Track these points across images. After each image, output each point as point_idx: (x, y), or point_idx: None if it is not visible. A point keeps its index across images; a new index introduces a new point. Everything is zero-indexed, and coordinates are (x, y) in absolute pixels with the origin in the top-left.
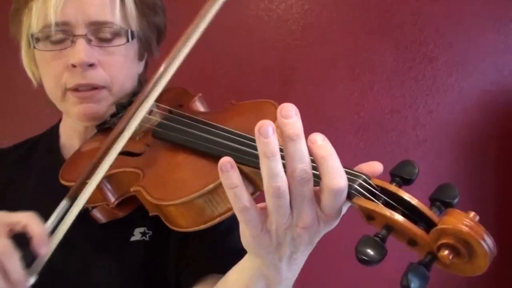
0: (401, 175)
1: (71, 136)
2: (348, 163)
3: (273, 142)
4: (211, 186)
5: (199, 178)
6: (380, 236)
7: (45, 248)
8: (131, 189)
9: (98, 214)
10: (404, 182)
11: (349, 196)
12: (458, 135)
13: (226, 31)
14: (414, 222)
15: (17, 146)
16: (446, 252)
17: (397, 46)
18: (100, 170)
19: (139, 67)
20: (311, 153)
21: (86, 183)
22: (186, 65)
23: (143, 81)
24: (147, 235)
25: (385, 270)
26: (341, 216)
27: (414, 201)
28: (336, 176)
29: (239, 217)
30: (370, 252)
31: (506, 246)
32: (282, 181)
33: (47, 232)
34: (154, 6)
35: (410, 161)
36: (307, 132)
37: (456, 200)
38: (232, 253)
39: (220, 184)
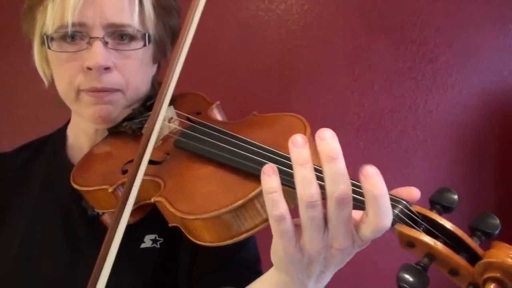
0: (441, 202)
1: (79, 138)
2: (348, 163)
3: (306, 151)
4: (241, 201)
5: (228, 193)
6: (422, 264)
7: None
8: (152, 200)
9: (108, 220)
10: (444, 210)
11: (391, 223)
12: (458, 135)
13: (226, 31)
14: (457, 251)
15: (22, 149)
16: (492, 285)
17: (397, 46)
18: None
19: (153, 70)
20: (362, 186)
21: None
22: (186, 65)
23: (155, 84)
24: (158, 242)
25: (387, 268)
26: None
27: (458, 231)
28: (385, 217)
29: (275, 229)
30: (412, 280)
31: None
32: (315, 189)
33: None
34: (170, 8)
35: (449, 189)
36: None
37: (497, 231)
38: (246, 266)
39: (250, 200)
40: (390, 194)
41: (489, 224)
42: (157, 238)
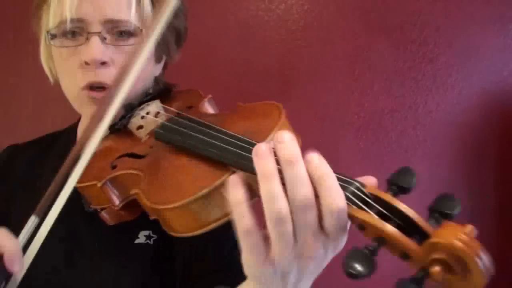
0: (398, 183)
1: None
2: (348, 163)
3: (270, 162)
4: (206, 190)
5: (196, 182)
6: (370, 248)
7: (18, 265)
8: (131, 192)
9: (106, 216)
10: (401, 190)
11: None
12: (458, 135)
13: (226, 31)
14: (408, 234)
15: (34, 142)
16: (437, 268)
17: (397, 46)
18: (69, 184)
19: (156, 69)
20: (307, 171)
21: (55, 197)
22: (186, 65)
23: (161, 84)
24: (152, 239)
25: (387, 268)
26: (346, 237)
27: (409, 211)
28: (336, 196)
29: (243, 242)
30: (358, 266)
31: (506, 247)
32: (283, 204)
33: (19, 248)
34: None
35: (409, 168)
36: (307, 132)
37: (456, 212)
38: (240, 267)
39: (216, 188)
40: (343, 176)
41: (447, 204)
42: (151, 234)
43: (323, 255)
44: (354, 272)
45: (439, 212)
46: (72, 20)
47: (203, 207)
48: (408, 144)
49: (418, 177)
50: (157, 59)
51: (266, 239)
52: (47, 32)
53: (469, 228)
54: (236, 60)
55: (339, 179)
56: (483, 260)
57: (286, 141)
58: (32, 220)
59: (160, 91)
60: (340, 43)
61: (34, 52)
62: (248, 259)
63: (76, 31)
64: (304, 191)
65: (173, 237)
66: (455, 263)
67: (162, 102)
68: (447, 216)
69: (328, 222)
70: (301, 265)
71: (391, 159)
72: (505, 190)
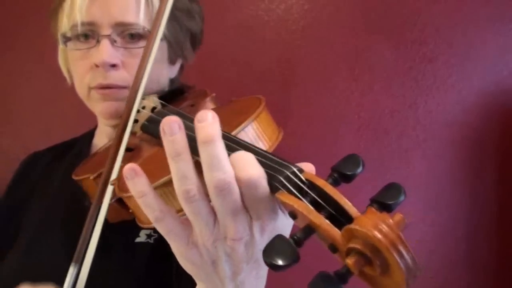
0: (340, 170)
1: (101, 138)
2: None
3: (179, 140)
4: (165, 179)
5: (160, 171)
6: (295, 237)
7: None
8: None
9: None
10: (343, 178)
11: (273, 189)
12: (458, 135)
13: (225, 31)
14: (340, 225)
15: (53, 148)
16: (353, 259)
17: (397, 46)
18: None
19: (171, 71)
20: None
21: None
22: (186, 65)
23: (176, 85)
24: (152, 238)
25: None
26: (276, 219)
27: (342, 200)
28: (246, 165)
29: (159, 229)
30: (276, 255)
31: (506, 246)
32: (192, 183)
33: None
34: (189, 10)
35: (354, 156)
36: (307, 133)
37: (396, 202)
38: None
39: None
40: (280, 160)
41: (388, 194)
42: (152, 233)
43: (249, 238)
44: (273, 262)
45: (377, 202)
46: (82, 23)
47: (164, 196)
48: (408, 144)
49: (364, 164)
50: (171, 61)
51: (185, 221)
52: (62, 35)
53: (397, 218)
54: (236, 60)
55: (276, 163)
56: (402, 255)
57: (205, 120)
58: (71, 271)
59: (171, 91)
60: (340, 43)
61: (34, 52)
62: (172, 246)
63: (88, 34)
64: (218, 175)
65: None
66: (373, 256)
67: (172, 102)
68: (387, 208)
69: (244, 195)
70: (228, 249)
71: (391, 159)
72: (505, 190)
